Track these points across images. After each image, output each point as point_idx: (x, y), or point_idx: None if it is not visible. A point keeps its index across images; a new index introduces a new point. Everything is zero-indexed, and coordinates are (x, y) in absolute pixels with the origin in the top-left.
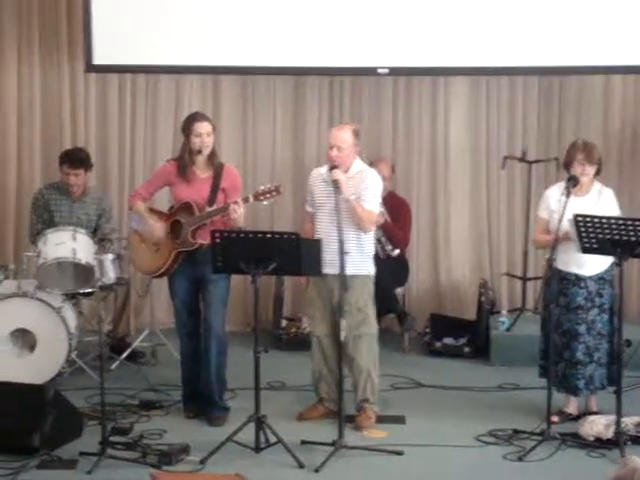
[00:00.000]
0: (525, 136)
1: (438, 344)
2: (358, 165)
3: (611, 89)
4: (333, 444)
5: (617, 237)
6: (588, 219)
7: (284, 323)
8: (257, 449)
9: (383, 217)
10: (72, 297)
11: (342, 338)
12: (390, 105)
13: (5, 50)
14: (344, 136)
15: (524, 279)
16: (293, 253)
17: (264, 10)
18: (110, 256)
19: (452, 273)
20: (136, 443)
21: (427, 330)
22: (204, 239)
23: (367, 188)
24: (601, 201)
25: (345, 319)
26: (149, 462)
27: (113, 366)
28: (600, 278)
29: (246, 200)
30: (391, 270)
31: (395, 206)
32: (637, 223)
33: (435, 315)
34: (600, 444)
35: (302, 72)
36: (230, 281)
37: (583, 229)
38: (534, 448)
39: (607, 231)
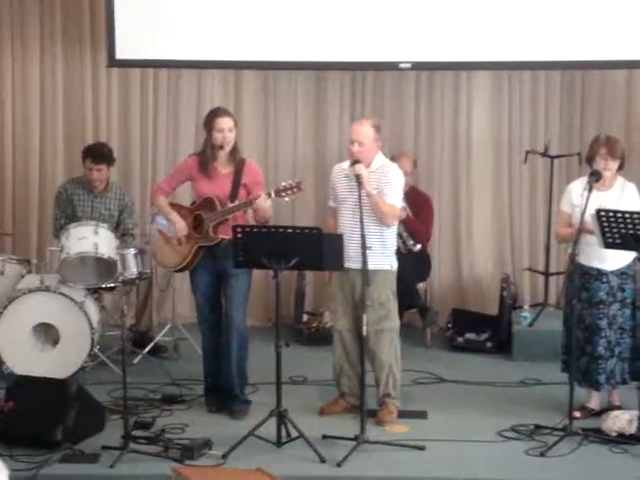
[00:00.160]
0: (547, 131)
1: (460, 339)
2: (380, 160)
3: (634, 83)
4: (355, 439)
5: None
6: (611, 214)
7: (305, 318)
8: (279, 444)
9: (405, 212)
10: (94, 292)
11: (364, 333)
12: (412, 100)
13: (28, 39)
14: (365, 131)
15: (546, 274)
16: (315, 248)
17: (286, 5)
18: (132, 251)
19: (474, 268)
20: (158, 437)
21: (449, 325)
22: (226, 234)
23: (389, 183)
24: (624, 196)
25: (367, 314)
26: (171, 456)
27: (135, 360)
28: (622, 273)
29: (268, 196)
30: (413, 265)
31: (417, 201)
32: None
33: (457, 310)
34: (623, 439)
35: (324, 67)
36: (252, 276)
37: (606, 224)
38: (556, 443)
39: (630, 226)
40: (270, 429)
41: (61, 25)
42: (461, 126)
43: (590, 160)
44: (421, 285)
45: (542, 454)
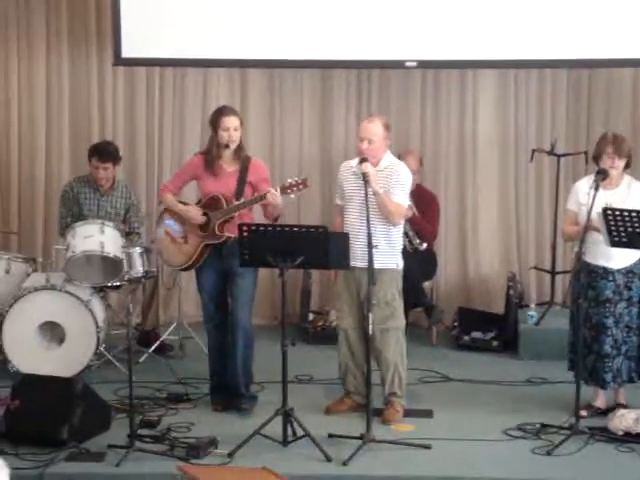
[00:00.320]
0: (554, 129)
1: (466, 338)
2: (388, 158)
3: None
4: (361, 438)
5: None
6: (617, 212)
7: (311, 316)
8: (285, 442)
9: (411, 210)
10: (100, 290)
11: (370, 332)
12: (418, 98)
13: (35, 38)
14: (375, 129)
15: (552, 273)
16: (321, 246)
17: (292, 3)
18: (138, 249)
19: (480, 266)
20: (164, 436)
21: (455, 324)
22: (232, 232)
23: (397, 182)
24: (631, 194)
25: (373, 313)
26: (177, 455)
27: (141, 359)
28: (629, 271)
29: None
30: (419, 263)
31: (423, 199)
32: None
33: (463, 309)
34: (629, 438)
35: (330, 65)
36: (257, 274)
37: (612, 223)
38: (563, 442)
39: (636, 224)
40: (276, 428)
41: (67, 24)
42: (467, 124)
43: (597, 158)
44: (427, 284)
45: (548, 453)
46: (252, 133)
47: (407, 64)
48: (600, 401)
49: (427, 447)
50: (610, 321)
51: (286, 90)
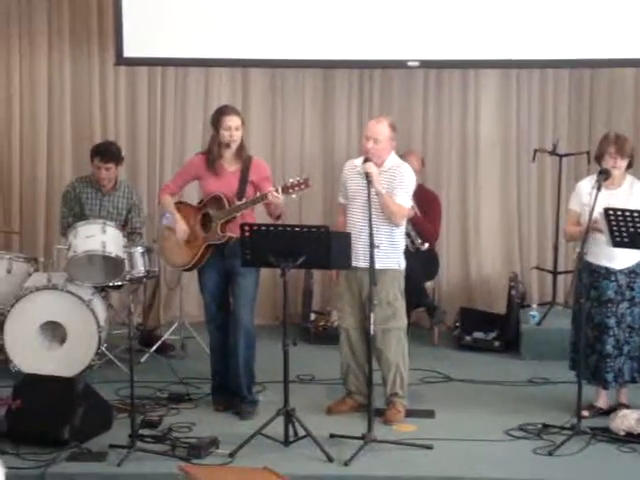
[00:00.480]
0: (556, 129)
1: (468, 338)
2: (393, 159)
3: None
4: (362, 438)
5: None
6: (619, 213)
7: (313, 316)
8: (286, 442)
9: (413, 211)
10: (102, 290)
11: (371, 332)
12: (420, 98)
13: (36, 36)
14: (382, 129)
15: (554, 273)
16: (322, 246)
17: (294, 2)
18: (139, 249)
19: (482, 267)
20: (165, 436)
21: (457, 324)
22: (234, 232)
23: (401, 182)
24: (633, 194)
25: (374, 313)
26: (178, 455)
27: (143, 359)
28: (631, 271)
29: (275, 192)
30: (421, 264)
31: (425, 200)
32: None
33: (465, 309)
34: (631, 439)
35: (331, 65)
36: (259, 274)
37: (614, 223)
38: (564, 442)
39: (638, 224)
40: (277, 428)
41: (69, 23)
42: (469, 124)
43: (599, 158)
44: (429, 284)
45: (550, 453)
46: (254, 133)
47: (409, 64)
48: (602, 401)
49: (429, 447)
50: (612, 321)
51: (288, 90)
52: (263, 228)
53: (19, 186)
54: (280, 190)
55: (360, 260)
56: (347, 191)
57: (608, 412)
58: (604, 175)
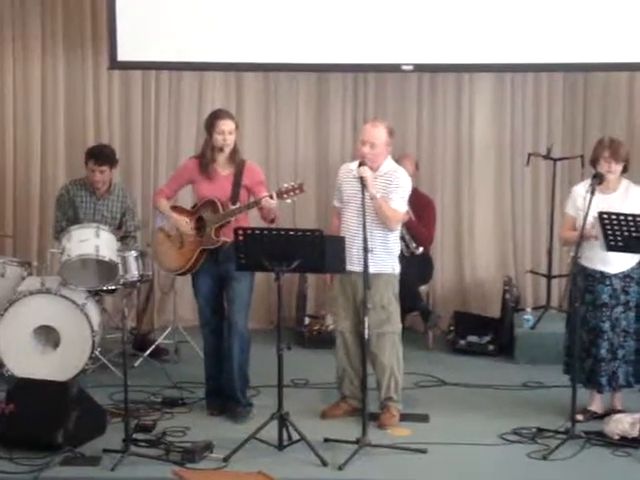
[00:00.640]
0: (550, 133)
1: (462, 342)
2: (389, 164)
3: (636, 86)
4: (356, 442)
5: None
6: (613, 217)
7: (307, 320)
8: (280, 447)
9: (407, 215)
10: (95, 294)
11: (366, 336)
12: (414, 102)
13: (30, 40)
14: (378, 133)
15: (549, 277)
16: (317, 250)
17: (288, 6)
18: (133, 253)
19: (476, 270)
20: (159, 440)
21: (451, 328)
22: (228, 236)
23: (396, 187)
24: (628, 198)
25: (369, 317)
26: (172, 459)
27: (136, 363)
28: (626, 276)
29: (270, 198)
30: (415, 268)
31: (419, 204)
32: None
33: (459, 313)
34: (625, 443)
35: (325, 69)
36: (254, 279)
37: (608, 227)
38: (559, 447)
39: (633, 229)
40: (271, 432)
41: (62, 26)
42: (463, 128)
43: (594, 163)
44: (423, 288)
45: (544, 457)
46: (248, 137)
47: (403, 68)
48: (596, 405)
49: (423, 452)
50: (607, 325)
51: (282, 94)
52: (257, 232)
53: (13, 190)
54: (275, 195)
55: (354, 264)
56: (342, 195)
57: (602, 416)
58: (598, 179)
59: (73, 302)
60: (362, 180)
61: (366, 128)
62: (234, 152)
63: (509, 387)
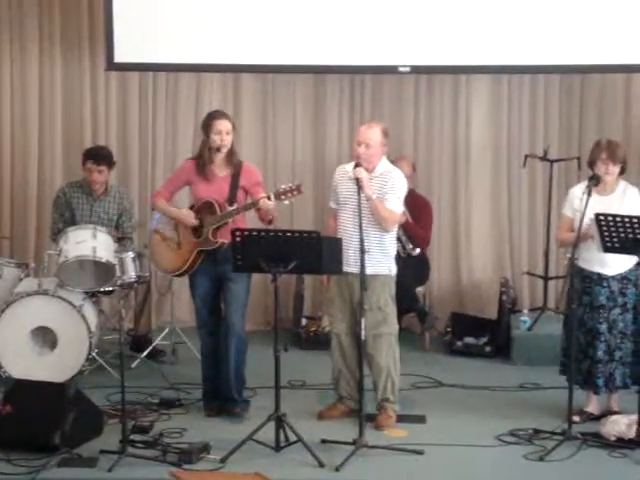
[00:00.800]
0: (546, 134)
1: (459, 343)
2: (384, 165)
3: (633, 87)
4: (353, 443)
5: None
6: (610, 218)
7: (304, 322)
8: (277, 448)
9: (404, 216)
10: (93, 295)
11: (362, 337)
12: (411, 103)
13: (27, 41)
14: (373, 134)
15: (545, 278)
16: (314, 251)
17: (285, 8)
18: (130, 254)
19: (473, 272)
20: (156, 441)
21: (448, 329)
22: (225, 238)
23: (392, 188)
24: (625, 200)
25: (365, 318)
26: (169, 461)
27: (133, 364)
28: (623, 277)
29: (267, 199)
30: (412, 269)
31: (416, 205)
32: None
33: (456, 314)
34: (622, 444)
35: (322, 70)
36: (251, 280)
37: (605, 228)
38: (555, 448)
39: (629, 230)
40: (269, 433)
41: (60, 27)
42: (460, 130)
43: (591, 164)
44: (420, 289)
45: (541, 458)
46: (245, 138)
47: (400, 69)
48: (593, 407)
49: (420, 453)
50: (604, 327)
51: (279, 95)
52: (254, 233)
53: (10, 191)
54: (272, 197)
55: (351, 265)
56: (338, 196)
57: (599, 417)
58: (594, 181)
59: (70, 303)
60: (358, 181)
61: (361, 129)
62: (231, 153)
63: (506, 388)
